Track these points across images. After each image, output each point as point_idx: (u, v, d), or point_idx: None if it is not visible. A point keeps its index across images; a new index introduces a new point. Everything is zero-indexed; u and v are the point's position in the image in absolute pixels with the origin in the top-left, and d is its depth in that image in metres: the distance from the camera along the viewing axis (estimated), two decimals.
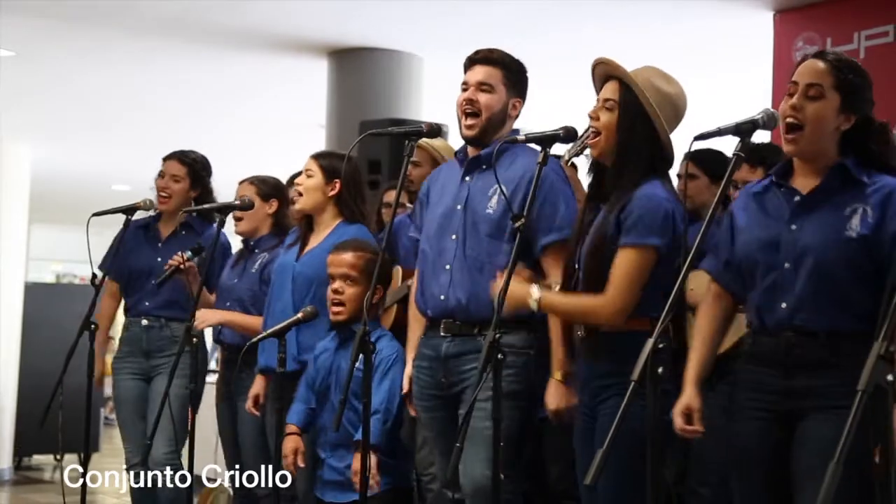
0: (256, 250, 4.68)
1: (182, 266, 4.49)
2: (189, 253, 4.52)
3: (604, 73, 3.14)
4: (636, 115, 3.03)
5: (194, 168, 4.92)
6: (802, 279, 2.69)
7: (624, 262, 2.93)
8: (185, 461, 4.39)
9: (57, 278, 16.15)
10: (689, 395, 2.77)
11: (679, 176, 4.41)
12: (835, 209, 2.70)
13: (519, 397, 3.29)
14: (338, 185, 4.19)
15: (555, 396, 3.22)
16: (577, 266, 3.09)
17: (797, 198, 2.76)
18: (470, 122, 3.41)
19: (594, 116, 3.08)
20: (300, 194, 4.22)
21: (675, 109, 3.09)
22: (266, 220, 4.71)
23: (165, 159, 4.96)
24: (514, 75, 3.45)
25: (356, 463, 3.63)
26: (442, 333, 3.41)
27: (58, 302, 9.26)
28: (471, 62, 3.45)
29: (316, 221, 4.26)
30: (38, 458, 10.01)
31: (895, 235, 2.64)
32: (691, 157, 4.29)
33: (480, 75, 3.41)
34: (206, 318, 4.47)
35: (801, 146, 2.73)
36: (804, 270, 2.69)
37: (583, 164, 3.69)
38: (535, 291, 3.00)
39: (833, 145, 2.75)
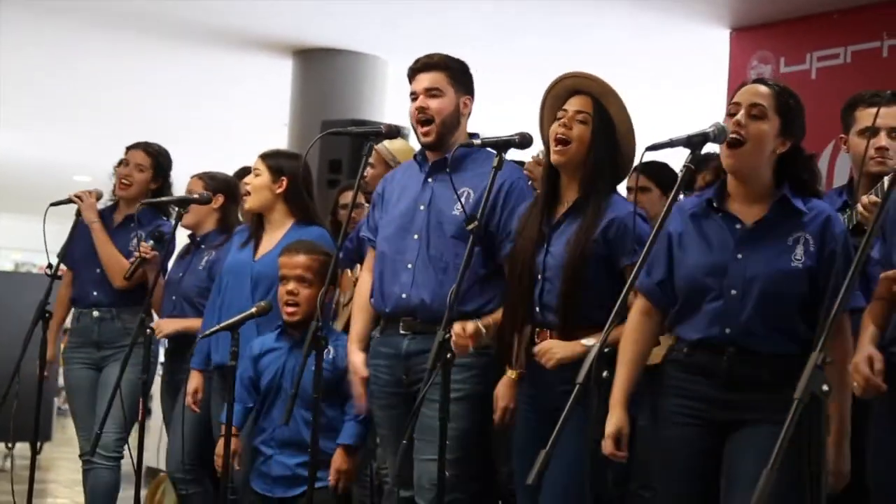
0: (203, 246, 4.68)
1: (147, 256, 4.50)
2: (151, 241, 4.54)
3: (571, 86, 3.20)
4: (609, 130, 3.12)
5: (158, 160, 4.93)
6: (749, 307, 2.77)
7: None
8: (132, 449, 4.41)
9: (16, 267, 16.02)
10: (619, 419, 2.83)
11: (629, 189, 4.46)
12: (778, 239, 2.79)
13: (478, 399, 3.32)
14: (285, 183, 4.20)
15: (506, 395, 3.25)
16: (539, 276, 3.13)
17: (739, 226, 2.84)
18: (425, 129, 3.46)
19: (568, 126, 3.13)
20: (248, 194, 4.24)
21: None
22: (211, 214, 4.70)
23: (130, 148, 4.96)
24: (458, 75, 3.50)
25: (341, 464, 3.73)
26: (402, 331, 3.44)
27: (15, 290, 9.14)
28: (413, 72, 3.50)
29: (267, 220, 4.27)
30: None
31: (830, 257, 2.73)
32: (642, 169, 4.36)
33: (426, 82, 3.46)
34: (164, 328, 4.50)
35: (741, 161, 2.81)
36: (750, 299, 2.77)
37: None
38: (586, 341, 2.99)
39: (768, 168, 2.83)
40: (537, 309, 3.14)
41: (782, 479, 2.02)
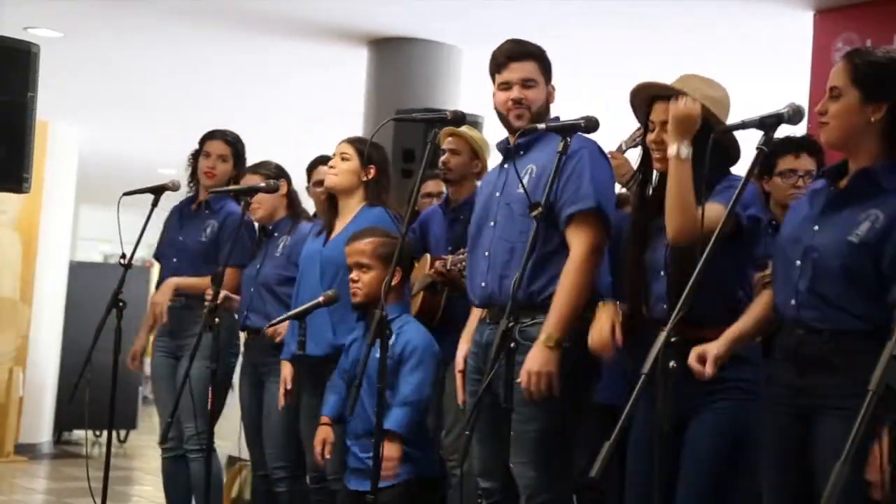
0: (276, 234, 4.72)
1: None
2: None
3: (647, 96, 3.18)
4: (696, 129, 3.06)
5: (237, 148, 5.03)
6: (805, 278, 2.72)
7: None
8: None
9: (105, 258, 16.31)
10: (715, 344, 2.80)
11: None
12: (852, 213, 2.71)
13: (554, 398, 3.24)
14: (373, 172, 4.23)
15: (533, 359, 3.21)
16: (658, 272, 3.11)
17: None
18: (519, 111, 3.44)
19: (658, 141, 3.12)
20: (333, 175, 4.26)
21: (727, 111, 3.16)
22: (280, 201, 4.76)
23: (208, 138, 5.02)
24: (545, 63, 3.51)
25: (388, 451, 3.66)
26: (487, 321, 3.45)
27: (101, 281, 9.34)
28: (506, 59, 3.45)
29: (342, 205, 4.30)
30: (77, 433, 10.16)
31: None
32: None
33: (522, 72, 3.43)
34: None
35: (829, 135, 2.77)
36: (807, 270, 2.72)
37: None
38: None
39: (871, 138, 2.74)
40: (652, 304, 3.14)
41: (856, 474, 1.95)
